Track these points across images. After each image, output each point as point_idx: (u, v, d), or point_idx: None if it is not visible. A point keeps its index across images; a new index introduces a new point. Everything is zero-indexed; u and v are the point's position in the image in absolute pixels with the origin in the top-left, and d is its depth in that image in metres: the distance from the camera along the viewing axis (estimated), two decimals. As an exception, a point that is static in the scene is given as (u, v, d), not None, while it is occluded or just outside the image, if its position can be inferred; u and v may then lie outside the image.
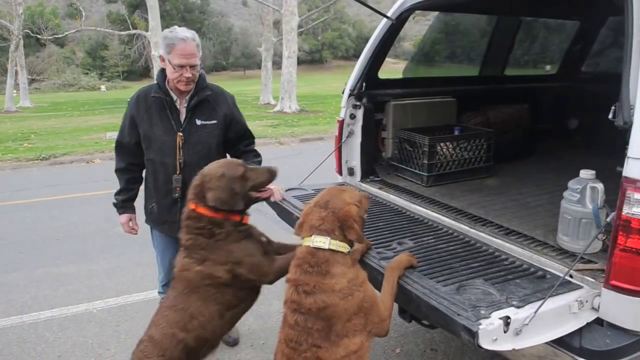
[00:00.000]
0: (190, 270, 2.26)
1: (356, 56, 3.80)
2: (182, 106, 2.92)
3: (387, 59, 3.91)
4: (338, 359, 1.72)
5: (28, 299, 4.50)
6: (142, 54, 37.59)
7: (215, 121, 2.96)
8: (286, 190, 3.37)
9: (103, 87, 43.02)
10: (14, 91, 27.57)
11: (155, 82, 2.96)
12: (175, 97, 2.90)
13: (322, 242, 1.82)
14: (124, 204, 3.17)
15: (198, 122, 2.92)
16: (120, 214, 3.19)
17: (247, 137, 3.16)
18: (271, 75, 24.74)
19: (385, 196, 3.34)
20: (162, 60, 2.85)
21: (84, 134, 16.56)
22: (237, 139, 3.11)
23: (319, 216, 1.88)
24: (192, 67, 2.79)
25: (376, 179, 3.66)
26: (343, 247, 1.85)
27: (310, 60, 55.28)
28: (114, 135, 15.89)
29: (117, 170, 3.13)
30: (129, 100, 3.03)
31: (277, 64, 26.36)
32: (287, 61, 20.18)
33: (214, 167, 2.34)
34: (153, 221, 3.16)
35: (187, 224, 2.32)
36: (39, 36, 31.71)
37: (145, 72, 43.38)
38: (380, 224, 2.80)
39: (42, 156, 11.91)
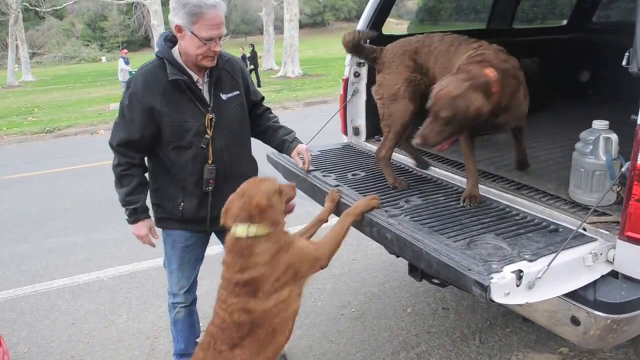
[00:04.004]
0: None
1: (359, 17, 3.67)
2: (202, 84, 2.44)
3: (390, 19, 3.77)
4: (268, 308, 1.95)
5: (39, 268, 4.55)
6: (142, 23, 37.09)
7: (237, 92, 2.54)
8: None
9: (104, 59, 42.72)
10: (16, 66, 27.43)
11: (157, 57, 2.39)
12: (194, 76, 2.40)
13: (242, 231, 1.97)
14: (146, 206, 2.53)
15: (223, 97, 2.47)
16: (142, 220, 2.52)
17: (261, 100, 2.84)
18: (273, 40, 24.39)
19: (393, 155, 3.27)
20: (180, 31, 2.27)
21: (87, 105, 16.53)
22: (253, 106, 2.76)
23: (238, 205, 2.01)
24: (220, 38, 2.32)
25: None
26: (262, 230, 1.98)
27: (312, 23, 54.26)
28: (117, 106, 15.86)
29: (128, 166, 2.44)
30: (127, 84, 2.45)
31: (278, 29, 25.91)
32: (288, 25, 19.84)
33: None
34: (182, 221, 2.56)
35: None
36: (37, 9, 31.34)
37: (146, 42, 42.90)
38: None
39: (46, 129, 11.94)
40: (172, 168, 2.47)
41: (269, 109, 2.90)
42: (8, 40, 26.71)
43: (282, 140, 2.80)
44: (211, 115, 2.41)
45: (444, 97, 2.07)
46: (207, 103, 2.43)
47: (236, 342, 1.95)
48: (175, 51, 2.39)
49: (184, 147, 2.41)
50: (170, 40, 2.42)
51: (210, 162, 2.44)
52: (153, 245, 2.62)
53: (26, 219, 5.93)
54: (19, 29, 26.46)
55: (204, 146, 2.41)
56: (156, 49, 2.46)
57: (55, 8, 32.76)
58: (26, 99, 19.73)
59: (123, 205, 2.52)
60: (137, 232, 2.56)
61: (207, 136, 2.41)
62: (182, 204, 2.50)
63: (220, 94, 2.47)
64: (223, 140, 2.45)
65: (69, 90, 22.09)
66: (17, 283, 4.29)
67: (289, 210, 2.20)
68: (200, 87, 2.42)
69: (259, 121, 2.79)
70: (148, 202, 2.57)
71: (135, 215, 2.51)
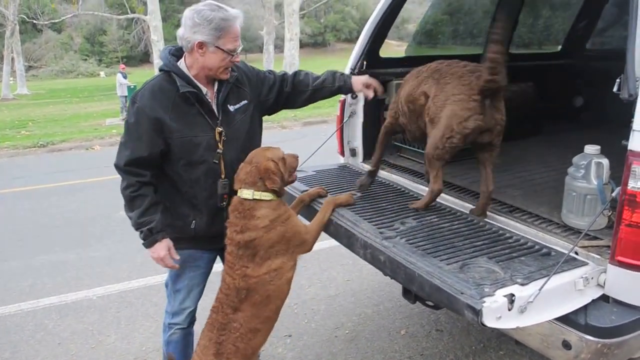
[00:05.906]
0: None
1: (360, 38, 3.71)
2: (211, 97, 2.43)
3: (391, 41, 3.80)
4: (261, 275, 2.24)
5: (26, 286, 4.48)
6: (142, 38, 37.35)
7: (245, 101, 2.52)
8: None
9: (102, 73, 42.72)
10: (11, 78, 27.43)
11: (163, 70, 2.37)
12: (203, 89, 2.39)
13: (247, 194, 2.26)
14: (164, 226, 2.38)
15: (231, 108, 2.46)
16: (159, 240, 2.35)
17: (282, 75, 2.78)
18: (273, 58, 24.52)
19: (388, 176, 3.29)
20: (201, 47, 2.27)
21: (82, 120, 16.49)
22: (281, 85, 2.73)
23: (245, 171, 2.29)
24: (240, 48, 2.41)
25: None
26: (266, 195, 2.27)
27: (312, 43, 54.55)
28: (114, 121, 15.94)
29: (139, 186, 2.32)
30: (132, 101, 2.37)
31: (279, 48, 26.11)
32: (289, 44, 19.95)
33: None
34: (194, 239, 2.50)
35: None
36: (35, 21, 31.50)
37: (145, 57, 43.05)
38: (383, 204, 2.75)
39: (39, 143, 11.87)
40: (182, 185, 2.41)
41: (296, 73, 2.84)
42: (4, 52, 26.72)
43: (337, 88, 2.86)
44: (220, 129, 2.38)
45: None
46: (216, 116, 2.40)
47: (237, 305, 2.24)
48: (182, 64, 2.37)
49: (196, 163, 2.37)
50: (174, 54, 2.41)
51: (223, 176, 2.40)
52: (175, 267, 2.44)
53: (15, 235, 5.86)
54: (15, 42, 26.49)
55: (216, 161, 2.38)
56: (160, 63, 2.43)
57: (53, 21, 32.91)
58: (20, 113, 19.66)
59: (137, 229, 2.35)
60: (156, 254, 2.37)
61: (218, 151, 2.39)
62: (193, 221, 2.45)
63: (228, 106, 2.45)
64: (234, 154, 2.41)
65: (65, 105, 22.05)
66: (2, 301, 4.21)
67: (291, 180, 2.46)
68: (209, 100, 2.41)
69: (300, 88, 2.79)
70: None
71: (152, 236, 2.33)
